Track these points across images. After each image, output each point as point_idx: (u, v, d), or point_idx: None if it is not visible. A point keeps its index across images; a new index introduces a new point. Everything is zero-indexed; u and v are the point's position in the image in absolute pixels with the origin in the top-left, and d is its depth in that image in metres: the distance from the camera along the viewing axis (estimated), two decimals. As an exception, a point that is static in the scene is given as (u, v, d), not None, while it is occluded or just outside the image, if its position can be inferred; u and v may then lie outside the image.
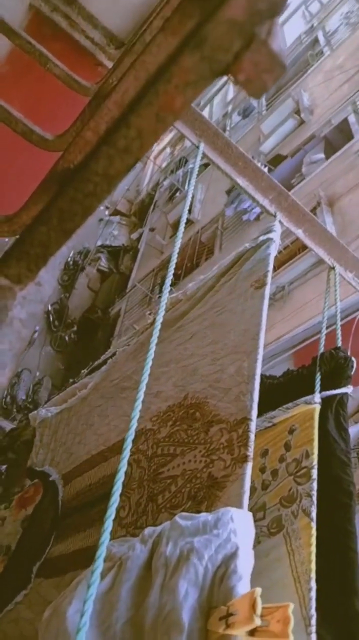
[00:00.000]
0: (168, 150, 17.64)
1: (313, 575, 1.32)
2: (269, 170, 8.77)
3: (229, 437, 1.44)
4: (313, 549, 1.37)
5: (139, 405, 1.05)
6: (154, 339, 1.21)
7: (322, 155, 8.54)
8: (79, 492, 2.00)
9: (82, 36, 2.90)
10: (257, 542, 1.37)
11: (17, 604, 1.77)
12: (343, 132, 8.57)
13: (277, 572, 1.40)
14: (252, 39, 0.51)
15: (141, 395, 1.07)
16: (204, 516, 1.10)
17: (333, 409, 1.78)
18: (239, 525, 1.07)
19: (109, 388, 2.42)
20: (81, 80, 2.26)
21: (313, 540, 1.39)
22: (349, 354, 1.92)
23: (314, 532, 1.41)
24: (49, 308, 11.98)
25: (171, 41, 0.55)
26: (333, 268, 2.33)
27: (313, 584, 1.30)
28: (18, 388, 10.05)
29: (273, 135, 10.18)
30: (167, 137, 16.88)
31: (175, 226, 12.09)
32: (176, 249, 1.55)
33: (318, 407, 1.74)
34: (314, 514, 1.44)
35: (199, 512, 1.21)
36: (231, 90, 15.11)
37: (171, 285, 1.41)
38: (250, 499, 1.26)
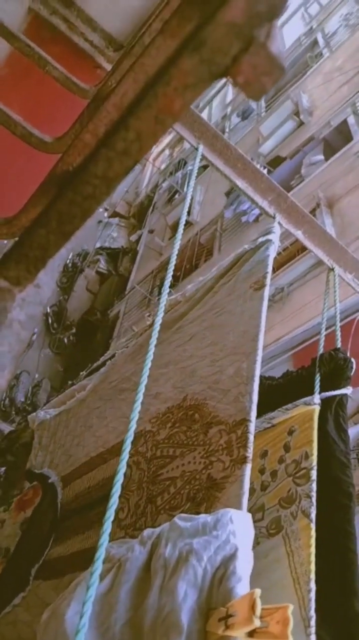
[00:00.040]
0: (167, 152, 17.63)
1: (313, 576, 1.31)
2: (269, 171, 8.78)
3: (228, 439, 1.44)
4: (313, 550, 1.37)
5: (138, 406, 1.05)
6: (153, 341, 1.21)
7: (321, 157, 8.54)
8: (78, 494, 1.99)
9: (81, 39, 2.91)
10: (256, 543, 1.37)
11: (15, 607, 1.76)
12: (342, 134, 8.58)
13: (276, 573, 1.40)
14: (251, 42, 0.51)
15: (140, 396, 1.07)
16: (203, 517, 1.10)
17: (333, 410, 1.78)
18: (238, 526, 1.07)
19: (107, 390, 2.41)
20: (80, 83, 2.26)
21: (313, 541, 1.39)
22: (348, 355, 1.92)
23: (313, 533, 1.40)
24: (48, 310, 11.97)
25: (170, 44, 0.55)
26: (332, 269, 2.33)
27: (313, 585, 1.30)
28: (17, 390, 10.03)
29: (272, 137, 10.17)
30: (166, 139, 16.88)
31: (174, 228, 12.05)
32: (175, 251, 1.55)
33: (317, 408, 1.74)
34: (313, 515, 1.44)
35: (198, 513, 1.21)
36: (230, 92, 15.11)
37: (170, 287, 1.41)
38: (249, 500, 1.26)
